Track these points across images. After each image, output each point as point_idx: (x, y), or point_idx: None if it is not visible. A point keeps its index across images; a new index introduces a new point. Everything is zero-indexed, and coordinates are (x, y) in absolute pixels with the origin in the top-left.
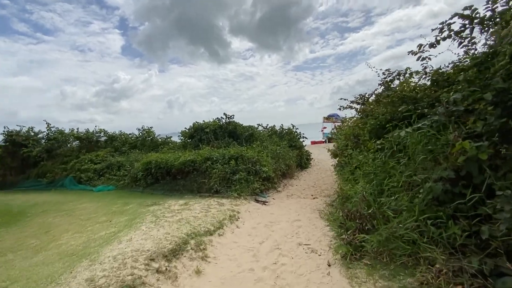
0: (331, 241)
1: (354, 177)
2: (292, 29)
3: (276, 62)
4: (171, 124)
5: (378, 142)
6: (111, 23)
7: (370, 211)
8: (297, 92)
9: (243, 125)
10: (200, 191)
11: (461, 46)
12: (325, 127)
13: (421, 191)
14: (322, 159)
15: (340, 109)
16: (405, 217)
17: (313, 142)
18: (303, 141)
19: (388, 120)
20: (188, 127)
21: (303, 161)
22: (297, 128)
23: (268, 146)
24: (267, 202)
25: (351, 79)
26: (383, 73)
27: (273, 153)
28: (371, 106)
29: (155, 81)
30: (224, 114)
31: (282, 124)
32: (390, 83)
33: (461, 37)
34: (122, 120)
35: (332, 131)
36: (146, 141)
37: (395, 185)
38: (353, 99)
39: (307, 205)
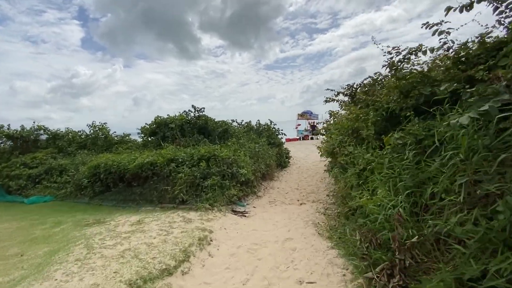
0: (344, 275)
1: (363, 182)
2: (262, 28)
3: (248, 60)
4: (137, 122)
5: (396, 135)
6: (68, 12)
7: (417, 239)
8: (268, 90)
9: (216, 120)
10: (161, 201)
11: (496, 12)
12: (299, 124)
13: (499, 208)
14: (300, 157)
15: (327, 101)
16: (477, 249)
17: (288, 140)
18: (282, 137)
19: (400, 108)
20: (149, 123)
21: (282, 160)
22: (275, 124)
23: (246, 144)
24: (246, 212)
25: (320, 79)
26: (389, 52)
27: (251, 151)
28: (379, 93)
29: (119, 77)
30: (193, 106)
31: (258, 120)
32: (400, 63)
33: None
34: (83, 119)
35: (321, 125)
36: (99, 139)
37: (442, 196)
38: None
39: (296, 215)
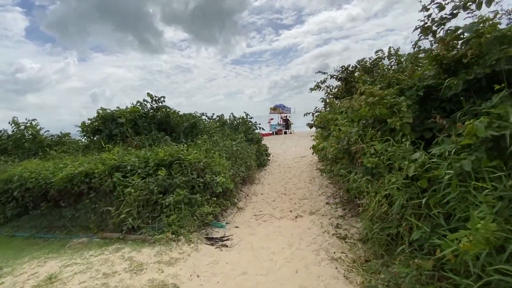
0: None
1: (422, 197)
2: (227, 21)
3: (214, 55)
4: None
5: (481, 122)
6: None
7: None
8: (236, 85)
9: (181, 113)
10: (102, 228)
11: None
12: (272, 119)
13: None
14: (278, 153)
15: (317, 86)
16: None
17: (261, 135)
18: (259, 132)
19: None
20: (92, 118)
21: (262, 158)
22: (251, 117)
23: (220, 142)
24: (227, 238)
25: (287, 74)
26: (425, 8)
27: (228, 151)
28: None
29: (73, 71)
30: (149, 95)
31: (232, 113)
32: (441, 24)
33: None
34: (30, 118)
35: (311, 116)
36: (26, 141)
37: None
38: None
39: (296, 238)
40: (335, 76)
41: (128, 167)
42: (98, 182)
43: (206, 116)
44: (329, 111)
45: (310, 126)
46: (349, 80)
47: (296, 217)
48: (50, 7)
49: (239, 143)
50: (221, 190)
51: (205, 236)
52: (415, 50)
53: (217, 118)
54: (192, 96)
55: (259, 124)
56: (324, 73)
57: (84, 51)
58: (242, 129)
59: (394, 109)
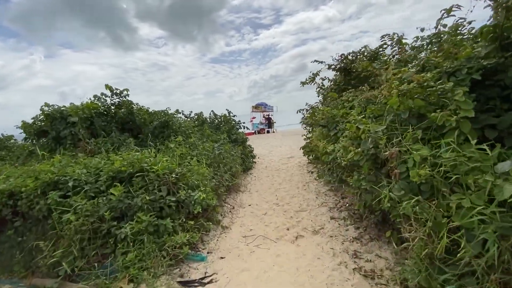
0: None
1: None
2: (205, 19)
3: (192, 53)
4: None
5: None
6: None
7: None
8: (216, 84)
9: (150, 110)
10: (32, 270)
11: None
12: (254, 117)
13: None
14: (263, 153)
15: (312, 78)
16: None
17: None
18: (244, 132)
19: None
20: (36, 116)
21: (248, 161)
22: (234, 115)
23: (199, 144)
24: (210, 280)
25: (266, 74)
26: None
27: (208, 156)
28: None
29: (40, 68)
30: (108, 87)
31: (213, 110)
32: None
33: None
34: None
35: (304, 112)
36: None
37: None
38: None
39: (306, 276)
40: (333, 66)
41: (70, 183)
42: (26, 205)
43: (182, 114)
44: (332, 106)
45: (306, 124)
46: (350, 71)
47: (296, 238)
48: (14, 0)
49: (222, 145)
50: (200, 209)
51: (178, 279)
52: (437, 30)
53: (196, 116)
54: (170, 95)
55: (243, 122)
56: (321, 62)
57: (51, 46)
58: (224, 129)
59: (433, 99)
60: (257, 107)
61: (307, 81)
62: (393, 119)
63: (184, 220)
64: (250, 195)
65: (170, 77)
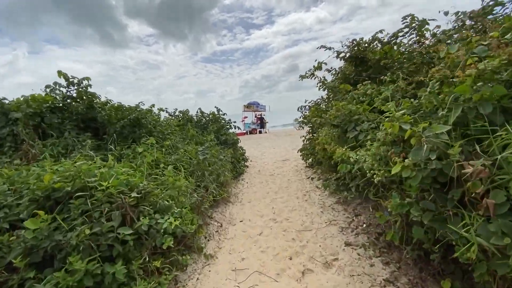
0: None
1: None
2: (196, 18)
3: (183, 51)
4: None
5: None
6: None
7: None
8: (208, 84)
9: (117, 104)
10: None
11: None
12: (245, 117)
13: None
14: (256, 155)
15: (318, 67)
16: None
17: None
18: (235, 132)
19: None
20: None
21: (239, 165)
22: (224, 113)
23: (180, 147)
24: None
25: (258, 74)
26: None
27: (191, 162)
28: None
29: (23, 65)
30: (60, 74)
31: (200, 108)
32: None
33: None
34: None
35: (303, 110)
36: None
37: None
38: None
39: None
40: (343, 55)
41: None
42: None
43: (166, 111)
44: (346, 101)
45: (306, 123)
46: (363, 59)
47: (303, 274)
48: None
49: (208, 149)
50: (171, 242)
51: None
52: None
53: (181, 114)
54: (160, 94)
55: (234, 122)
56: (329, 48)
57: (35, 42)
58: (212, 128)
59: None
60: (249, 107)
61: (306, 75)
62: (461, 116)
63: (147, 259)
64: (241, 207)
65: (161, 76)
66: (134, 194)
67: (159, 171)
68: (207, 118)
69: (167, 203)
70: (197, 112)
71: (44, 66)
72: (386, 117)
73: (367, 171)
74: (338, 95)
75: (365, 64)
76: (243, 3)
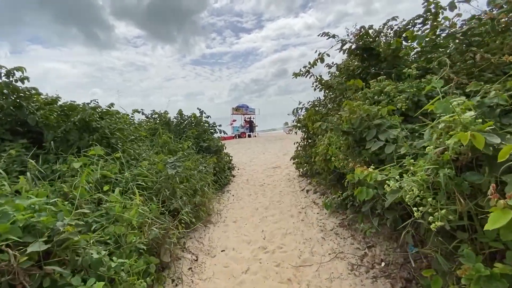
0: None
1: None
2: (185, 20)
3: (171, 53)
4: None
5: None
6: None
7: None
8: (197, 86)
9: (70, 103)
10: None
11: None
12: (234, 120)
13: None
14: (244, 161)
15: (321, 58)
16: None
17: (223, 138)
18: (219, 136)
19: None
20: None
21: (224, 175)
22: (207, 116)
23: (146, 158)
24: None
25: (247, 77)
26: None
27: (159, 177)
28: None
29: (6, 65)
30: None
31: (181, 110)
32: None
33: None
34: None
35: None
36: None
37: None
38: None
39: None
40: (350, 44)
41: None
42: None
43: (141, 112)
44: (360, 99)
45: (299, 127)
46: (374, 52)
47: None
48: None
49: (181, 159)
50: None
51: None
52: None
53: (158, 117)
54: (148, 96)
55: (219, 125)
56: (333, 36)
57: (18, 42)
58: (192, 133)
59: None
60: (238, 109)
61: (301, 72)
62: None
63: None
64: (225, 230)
65: (149, 78)
66: (33, 248)
67: (103, 196)
68: (187, 121)
69: (95, 255)
70: (177, 113)
71: (27, 66)
72: (437, 121)
73: (412, 207)
74: (347, 93)
75: (375, 57)
76: (232, 7)
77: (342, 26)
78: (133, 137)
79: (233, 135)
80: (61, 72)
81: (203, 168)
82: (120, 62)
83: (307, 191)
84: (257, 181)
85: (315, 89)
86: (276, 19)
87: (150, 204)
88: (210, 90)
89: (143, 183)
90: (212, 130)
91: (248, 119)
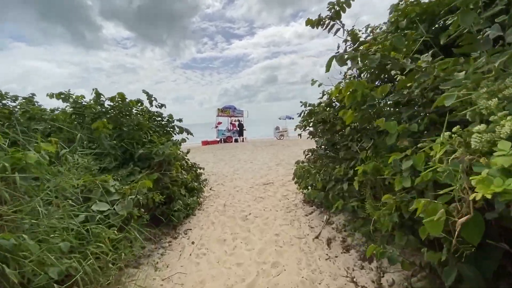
0: None
1: None
2: (176, 24)
3: (161, 56)
4: None
5: None
6: None
7: None
8: (186, 90)
9: None
10: None
11: None
12: (219, 122)
13: None
14: (225, 174)
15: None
16: None
17: (205, 143)
18: (184, 141)
19: None
20: None
21: (179, 204)
22: (161, 105)
23: None
24: None
25: (237, 83)
26: None
27: None
28: None
29: None
30: None
31: (96, 90)
32: None
33: None
34: None
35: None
36: None
37: None
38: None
39: None
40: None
41: None
42: None
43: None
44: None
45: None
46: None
47: None
48: None
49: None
50: None
51: None
52: None
53: (72, 108)
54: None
55: (180, 120)
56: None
57: (0, 38)
58: (105, 128)
59: None
60: (224, 111)
61: (322, 19)
62: None
63: None
64: None
65: (138, 80)
66: None
67: None
68: (115, 111)
69: None
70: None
71: (8, 64)
72: None
73: None
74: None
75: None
76: (224, 13)
77: (331, 36)
78: None
79: (218, 139)
80: (46, 71)
81: (109, 210)
82: (108, 63)
83: (329, 241)
84: (239, 208)
85: (347, 45)
86: (267, 27)
87: None
88: (200, 94)
89: None
90: (169, 130)
91: (236, 122)
